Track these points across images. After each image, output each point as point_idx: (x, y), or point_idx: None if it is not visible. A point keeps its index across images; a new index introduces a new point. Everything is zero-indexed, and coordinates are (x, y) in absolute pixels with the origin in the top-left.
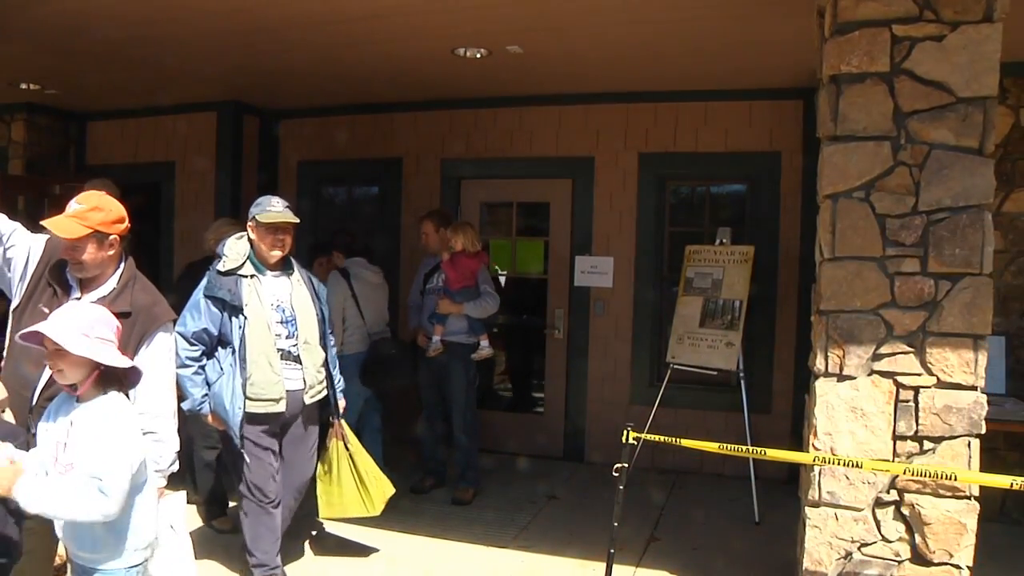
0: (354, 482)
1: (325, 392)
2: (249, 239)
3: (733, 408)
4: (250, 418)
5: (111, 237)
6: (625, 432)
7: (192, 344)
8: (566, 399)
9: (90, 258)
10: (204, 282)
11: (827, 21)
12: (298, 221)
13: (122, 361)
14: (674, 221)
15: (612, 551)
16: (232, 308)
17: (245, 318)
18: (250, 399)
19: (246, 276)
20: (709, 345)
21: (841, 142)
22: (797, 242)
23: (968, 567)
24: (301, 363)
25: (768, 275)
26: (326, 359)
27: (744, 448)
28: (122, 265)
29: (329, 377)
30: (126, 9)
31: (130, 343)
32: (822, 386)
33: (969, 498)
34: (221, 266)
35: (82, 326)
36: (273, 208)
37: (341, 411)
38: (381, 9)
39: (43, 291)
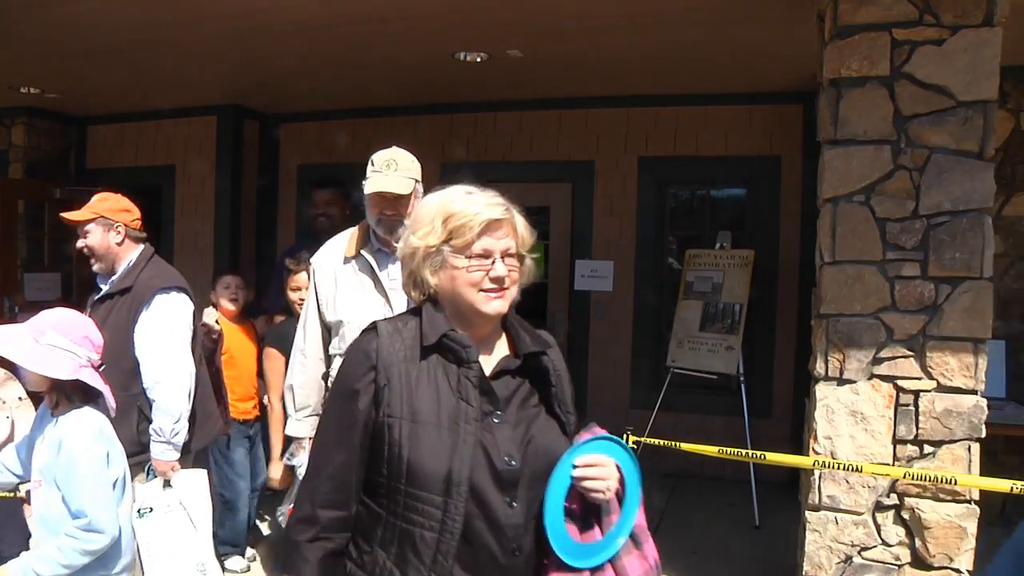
0: None
1: None
2: None
3: (733, 412)
4: None
5: (117, 225)
6: (625, 436)
7: None
8: None
9: (96, 243)
10: None
11: (827, 25)
12: None
13: (61, 371)
14: (674, 225)
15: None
16: None
17: None
18: None
19: None
20: (709, 349)
21: (841, 146)
22: (797, 246)
23: (968, 571)
24: None
25: (768, 279)
26: None
27: (744, 452)
28: (136, 254)
29: None
30: (127, 13)
31: (131, 314)
32: (822, 390)
33: (969, 502)
34: None
35: (33, 331)
36: None
37: None
38: (381, 13)
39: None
